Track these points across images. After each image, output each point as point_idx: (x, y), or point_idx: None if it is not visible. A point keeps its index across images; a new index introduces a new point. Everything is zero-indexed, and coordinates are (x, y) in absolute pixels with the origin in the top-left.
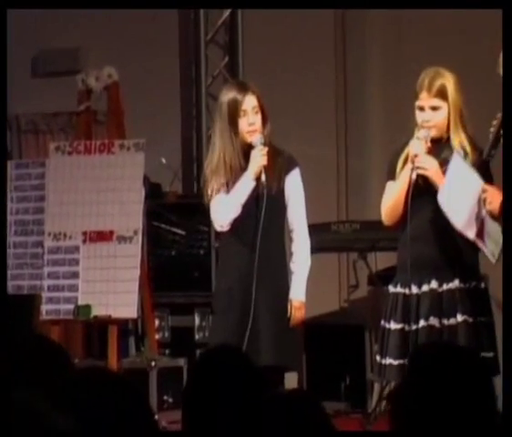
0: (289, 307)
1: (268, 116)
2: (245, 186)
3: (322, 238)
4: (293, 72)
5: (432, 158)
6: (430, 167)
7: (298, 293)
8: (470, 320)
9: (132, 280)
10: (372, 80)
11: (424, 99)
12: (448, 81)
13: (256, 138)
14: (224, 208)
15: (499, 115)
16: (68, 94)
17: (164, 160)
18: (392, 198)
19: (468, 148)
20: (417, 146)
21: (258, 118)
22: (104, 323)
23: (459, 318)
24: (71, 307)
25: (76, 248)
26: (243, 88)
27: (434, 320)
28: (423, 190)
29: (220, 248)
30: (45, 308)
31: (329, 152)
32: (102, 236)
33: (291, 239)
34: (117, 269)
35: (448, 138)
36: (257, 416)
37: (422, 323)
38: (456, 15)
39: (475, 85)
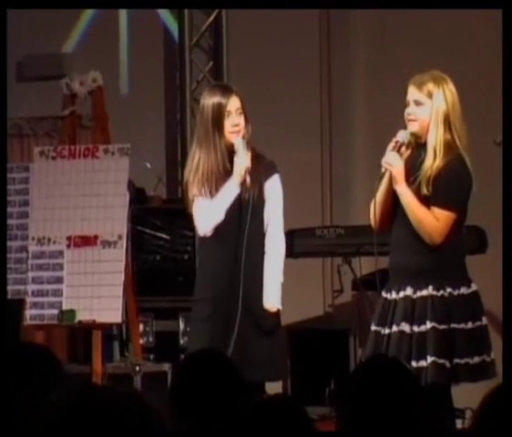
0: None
1: (249, 119)
2: (230, 191)
3: (306, 242)
4: (278, 77)
5: (398, 158)
6: (395, 164)
7: (273, 300)
8: (440, 327)
9: (116, 285)
10: (356, 85)
11: (410, 93)
12: (438, 83)
13: (237, 142)
14: (207, 214)
15: None
16: (53, 98)
17: (148, 165)
18: (373, 204)
19: (439, 151)
20: (391, 145)
21: (242, 120)
22: (88, 328)
23: (428, 324)
24: (55, 312)
25: (61, 253)
26: (228, 90)
27: (405, 326)
28: (399, 198)
29: (202, 254)
30: (29, 313)
31: (313, 157)
32: (86, 241)
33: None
34: (102, 274)
35: (425, 142)
36: (240, 420)
37: (394, 328)
38: (443, 20)
39: (462, 90)
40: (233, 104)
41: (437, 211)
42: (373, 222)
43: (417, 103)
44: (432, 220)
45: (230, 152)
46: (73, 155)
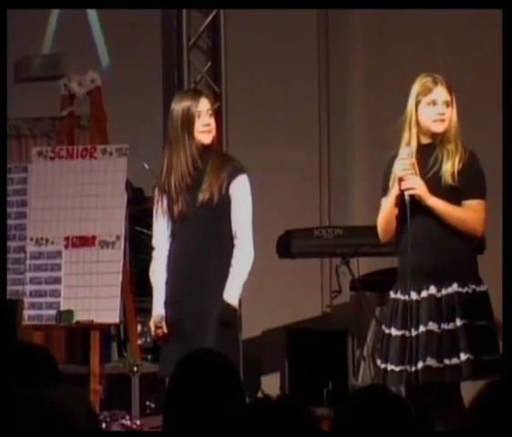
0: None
1: (217, 122)
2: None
3: (304, 243)
4: (276, 77)
5: (417, 178)
6: (417, 186)
7: (229, 296)
8: (470, 323)
9: (114, 286)
10: (354, 86)
11: (439, 93)
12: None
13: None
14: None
15: None
16: (51, 99)
17: (146, 165)
18: (383, 216)
19: (460, 145)
20: (401, 167)
21: (212, 121)
22: (86, 328)
23: (458, 322)
24: (53, 312)
25: (59, 254)
26: (197, 93)
27: (433, 325)
28: (417, 200)
29: (168, 257)
30: (27, 313)
31: (311, 158)
32: (84, 241)
33: (233, 245)
34: (100, 275)
35: (442, 139)
36: (238, 418)
37: (421, 329)
38: (441, 21)
39: (461, 90)
40: (203, 105)
41: (474, 202)
42: (383, 236)
43: (448, 104)
44: (472, 214)
45: (201, 152)
46: (71, 155)
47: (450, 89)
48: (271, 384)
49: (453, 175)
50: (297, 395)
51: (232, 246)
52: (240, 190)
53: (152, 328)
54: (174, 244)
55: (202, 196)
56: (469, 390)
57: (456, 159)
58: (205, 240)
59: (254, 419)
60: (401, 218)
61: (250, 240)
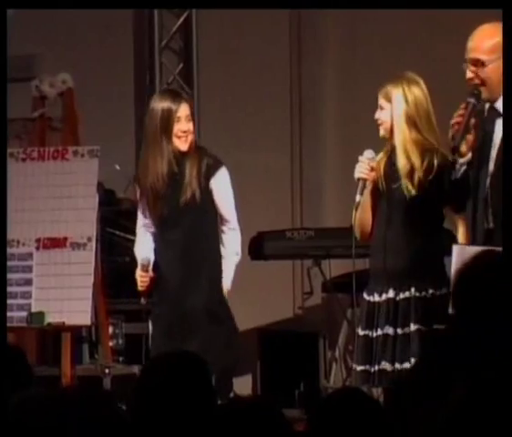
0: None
1: (195, 123)
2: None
3: (276, 245)
4: (248, 80)
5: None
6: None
7: (226, 282)
8: (424, 328)
9: (86, 287)
10: (327, 89)
11: (379, 99)
12: (397, 84)
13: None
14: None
15: (469, 100)
16: (23, 100)
17: (118, 167)
18: (358, 219)
19: (411, 151)
20: (358, 168)
21: (191, 126)
22: (58, 330)
23: (412, 327)
24: (24, 314)
25: (30, 255)
26: (178, 96)
27: (389, 329)
28: (382, 205)
29: (155, 258)
30: None
31: (283, 160)
32: (56, 243)
33: (223, 234)
34: (71, 276)
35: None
36: (210, 420)
37: (379, 332)
38: (414, 25)
39: (439, 91)
40: (183, 110)
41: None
42: (360, 234)
43: (381, 107)
44: None
45: (177, 157)
46: (42, 157)
47: (387, 93)
48: (242, 385)
49: (418, 181)
50: (269, 396)
51: (215, 245)
52: (222, 184)
53: (138, 274)
54: (158, 247)
55: (184, 198)
56: None
57: (423, 165)
58: (190, 242)
59: (225, 420)
60: (372, 221)
61: (238, 229)
